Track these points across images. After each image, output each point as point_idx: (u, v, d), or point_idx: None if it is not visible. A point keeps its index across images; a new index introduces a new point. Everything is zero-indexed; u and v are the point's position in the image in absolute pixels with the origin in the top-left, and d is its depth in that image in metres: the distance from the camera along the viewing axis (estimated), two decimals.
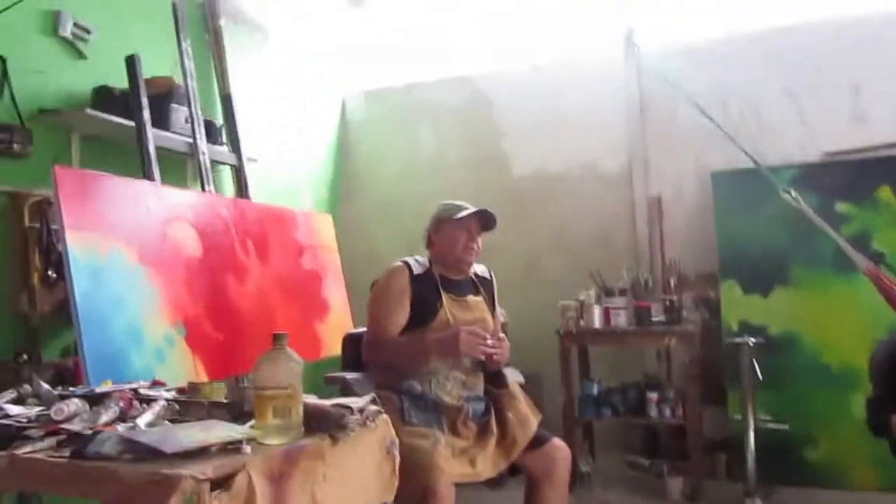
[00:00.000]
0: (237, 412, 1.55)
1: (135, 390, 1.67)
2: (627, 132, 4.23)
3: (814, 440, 3.44)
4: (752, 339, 3.21)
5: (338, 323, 3.45)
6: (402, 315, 2.14)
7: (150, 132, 2.84)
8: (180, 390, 1.71)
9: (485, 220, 2.28)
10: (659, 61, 4.00)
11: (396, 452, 1.70)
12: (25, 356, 2.44)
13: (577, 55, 4.36)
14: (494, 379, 2.26)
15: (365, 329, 2.28)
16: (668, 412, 3.45)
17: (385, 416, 1.70)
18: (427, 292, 2.15)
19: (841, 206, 3.60)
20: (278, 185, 3.99)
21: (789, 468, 3.41)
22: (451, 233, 2.25)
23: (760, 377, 3.14)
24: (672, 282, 3.69)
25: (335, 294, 3.59)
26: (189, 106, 3.13)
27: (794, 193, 3.43)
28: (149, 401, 1.58)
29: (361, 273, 3.70)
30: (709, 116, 3.70)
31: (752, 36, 4.01)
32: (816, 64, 3.88)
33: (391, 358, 2.14)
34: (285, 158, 4.12)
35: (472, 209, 2.26)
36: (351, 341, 2.41)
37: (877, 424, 2.25)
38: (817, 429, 3.43)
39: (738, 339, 3.26)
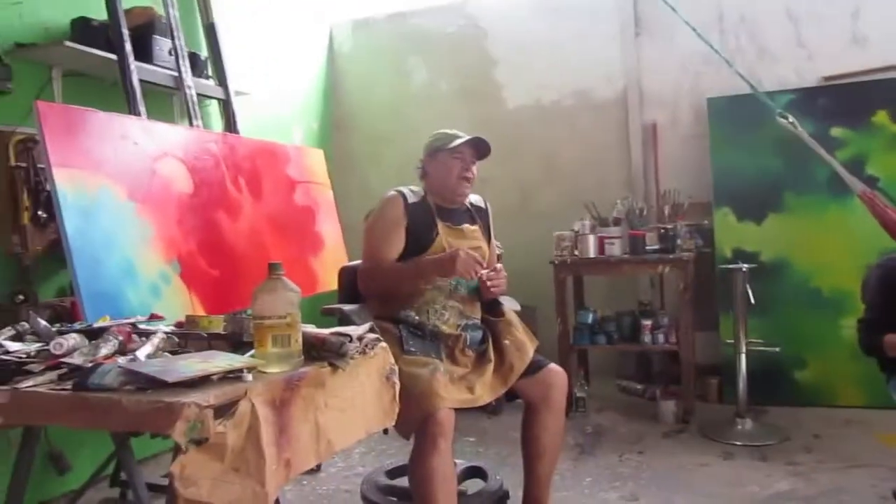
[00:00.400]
0: (237, 343, 1.56)
1: (133, 324, 1.67)
2: (622, 58, 4.14)
3: (803, 362, 3.51)
4: (746, 266, 3.23)
5: (332, 257, 3.45)
6: (397, 243, 2.13)
7: (133, 65, 2.75)
8: (178, 324, 1.71)
9: (479, 148, 2.24)
10: None
11: (396, 380, 1.72)
12: (21, 297, 2.43)
13: None
14: (491, 307, 2.27)
15: (360, 260, 2.27)
16: (661, 338, 3.50)
17: (384, 344, 1.71)
18: (422, 221, 2.13)
19: (836, 131, 3.57)
20: (267, 120, 3.91)
21: (779, 389, 3.49)
22: (445, 162, 2.21)
23: (753, 302, 3.18)
24: (666, 210, 3.70)
25: (329, 229, 3.57)
26: (172, 37, 3.03)
27: (790, 118, 3.39)
28: (147, 334, 1.58)
29: (354, 207, 3.68)
30: (706, 41, 3.61)
31: None
32: None
33: (388, 283, 2.12)
34: (273, 92, 4.03)
35: (465, 137, 2.22)
36: (347, 274, 2.40)
37: (868, 344, 2.29)
38: (807, 351, 3.50)
39: (731, 266, 3.28)
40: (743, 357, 3.21)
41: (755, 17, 3.90)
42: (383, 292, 2.15)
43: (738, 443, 3.02)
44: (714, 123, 3.81)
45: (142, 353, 1.43)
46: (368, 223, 2.22)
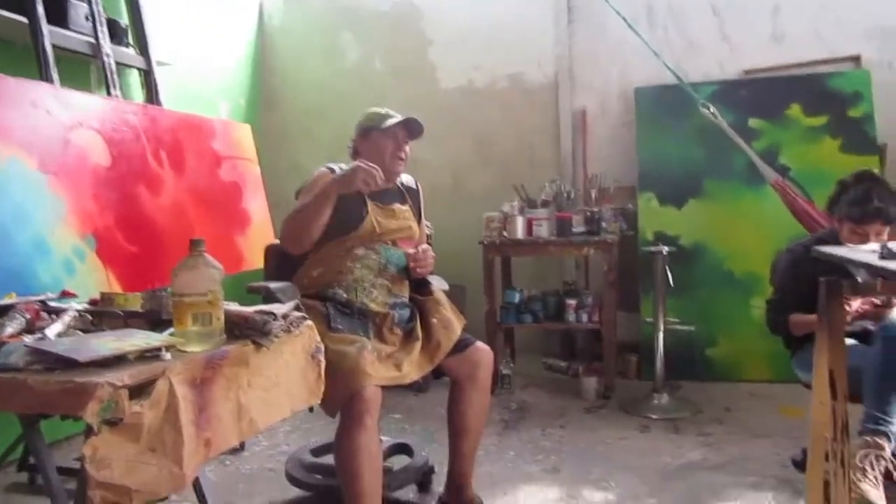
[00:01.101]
0: (155, 321, 1.51)
1: (42, 302, 1.59)
2: (555, 45, 4.19)
3: (715, 340, 3.68)
4: (666, 249, 3.34)
5: (259, 235, 3.36)
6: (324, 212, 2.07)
7: (46, 29, 2.60)
8: (93, 301, 1.64)
9: (412, 129, 2.22)
10: None
11: (322, 358, 1.70)
12: None
13: None
14: (420, 286, 2.27)
15: None
16: (585, 317, 3.59)
17: (309, 322, 1.69)
18: (352, 199, 2.09)
19: (754, 122, 3.73)
20: (192, 93, 3.76)
21: (693, 365, 3.66)
22: (378, 141, 2.18)
23: (672, 283, 3.30)
24: (593, 194, 3.78)
25: (256, 206, 3.48)
26: (89, 2, 2.86)
27: (711, 109, 3.52)
28: (58, 312, 1.50)
29: (283, 185, 3.61)
30: (635, 31, 3.70)
31: None
32: None
33: (301, 218, 2.01)
34: (199, 64, 3.88)
35: (399, 117, 2.20)
36: (273, 252, 2.35)
37: (775, 323, 2.42)
38: (719, 329, 3.67)
39: (652, 249, 3.39)
40: (661, 335, 3.33)
41: (682, 10, 4.02)
42: (295, 231, 2.03)
43: (655, 416, 3.15)
44: (641, 112, 3.91)
45: (51, 332, 1.36)
46: (300, 194, 2.17)
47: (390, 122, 2.18)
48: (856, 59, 3.81)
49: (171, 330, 1.40)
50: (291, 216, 2.05)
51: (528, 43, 4.23)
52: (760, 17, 3.92)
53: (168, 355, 1.30)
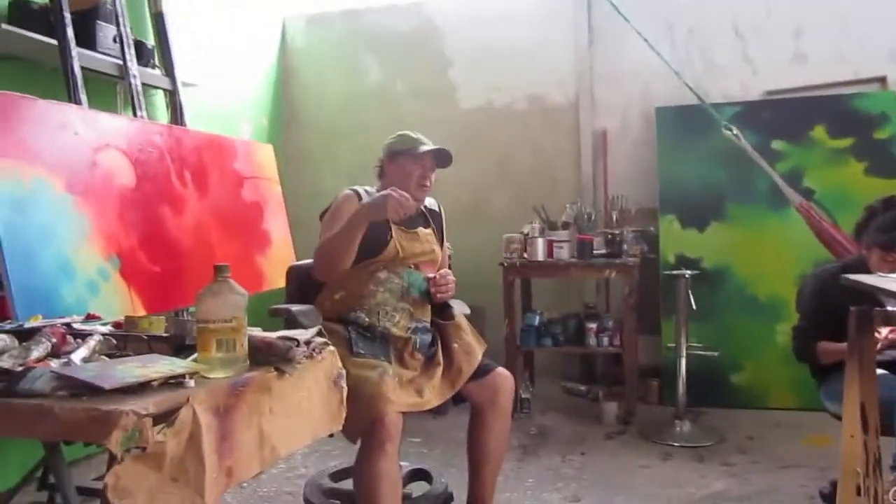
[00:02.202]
0: (179, 346, 1.51)
1: (68, 325, 1.60)
2: (575, 65, 4.19)
3: (740, 365, 3.62)
4: (688, 272, 3.31)
5: (280, 256, 3.38)
6: None
7: (75, 51, 2.64)
8: (117, 324, 1.64)
9: (441, 158, 2.22)
10: None
11: (344, 384, 1.69)
12: None
13: None
14: (441, 311, 2.26)
15: (311, 259, 2.23)
16: (605, 341, 3.55)
17: (332, 347, 1.68)
18: (377, 224, 2.09)
19: (777, 144, 3.69)
20: (216, 113, 3.81)
21: (716, 392, 3.60)
22: (405, 166, 2.19)
23: (694, 307, 3.26)
24: (614, 216, 3.75)
25: (277, 226, 3.50)
26: (117, 24, 2.92)
27: (734, 130, 3.49)
28: (83, 335, 1.51)
29: (304, 205, 3.63)
30: (656, 51, 3.69)
31: None
32: (764, 4, 3.90)
33: (333, 247, 2.03)
34: (223, 84, 3.93)
35: (430, 146, 2.20)
36: (295, 274, 2.35)
37: (802, 350, 2.37)
38: (743, 355, 3.62)
39: (674, 272, 3.35)
40: (683, 360, 3.29)
41: (704, 31, 4.00)
42: (328, 259, 2.05)
43: (677, 444, 3.10)
44: (662, 132, 3.89)
45: (77, 357, 1.37)
46: (325, 218, 2.18)
47: (421, 149, 2.19)
48: (881, 80, 3.76)
49: (195, 356, 1.40)
50: (323, 246, 2.06)
51: (549, 63, 4.23)
52: (783, 39, 3.90)
53: (192, 382, 1.30)
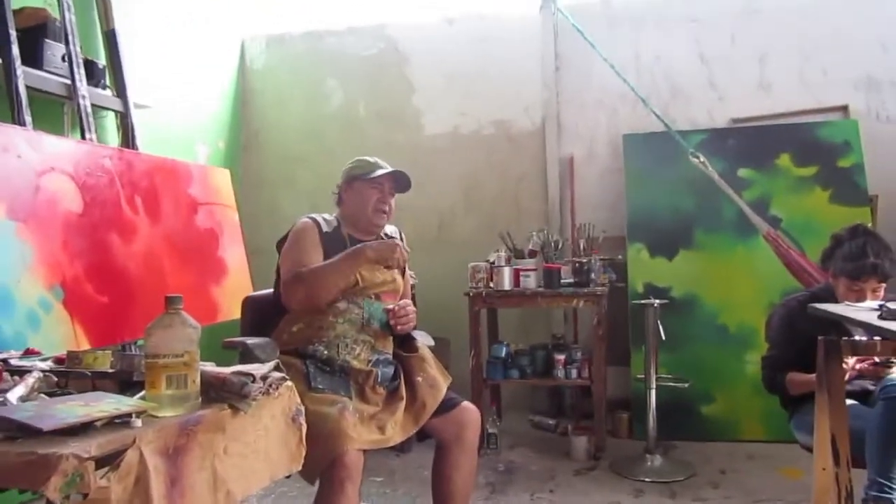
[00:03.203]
0: (126, 383, 1.46)
1: (4, 360, 1.54)
2: (542, 91, 4.26)
3: (710, 396, 3.66)
4: (657, 301, 3.35)
5: (236, 286, 3.33)
6: (317, 258, 2.09)
7: (20, 70, 2.59)
8: (58, 360, 1.59)
9: (399, 182, 2.23)
10: (576, 20, 4.03)
11: (303, 421, 1.65)
12: None
13: (494, 10, 4.34)
14: (404, 342, 2.24)
15: (271, 289, 2.21)
16: (574, 373, 3.56)
17: (289, 383, 1.65)
18: (336, 252, 2.09)
19: (743, 172, 3.79)
20: (170, 136, 3.76)
21: (687, 424, 3.63)
22: (363, 191, 2.20)
23: (664, 337, 3.30)
24: (581, 244, 3.79)
25: (233, 255, 3.45)
26: (66, 42, 2.87)
27: (701, 157, 3.58)
28: (21, 372, 1.46)
29: (262, 233, 3.60)
30: (623, 78, 3.78)
31: None
32: (729, 31, 4.04)
33: (318, 279, 2.04)
34: (178, 106, 3.89)
35: (387, 168, 2.21)
36: (251, 304, 2.32)
37: (771, 381, 2.41)
38: (714, 386, 3.66)
39: (643, 301, 3.40)
40: (653, 392, 3.31)
41: (670, 58, 4.12)
42: (308, 294, 2.06)
43: (648, 479, 3.10)
44: (629, 159, 3.97)
45: (13, 396, 1.31)
46: (284, 248, 2.16)
47: (377, 172, 2.19)
48: (844, 109, 3.92)
49: (143, 393, 1.36)
50: (305, 277, 2.06)
51: (515, 89, 4.30)
52: (747, 66, 4.04)
53: (139, 422, 1.26)
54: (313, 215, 2.20)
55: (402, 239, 2.38)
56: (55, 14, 2.86)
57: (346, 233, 2.19)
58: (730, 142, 3.87)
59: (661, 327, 3.30)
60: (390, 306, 2.14)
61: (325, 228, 2.15)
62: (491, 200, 4.33)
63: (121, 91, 3.23)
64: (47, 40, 2.79)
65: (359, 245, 2.09)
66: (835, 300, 2.32)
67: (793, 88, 3.97)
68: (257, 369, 1.55)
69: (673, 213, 3.83)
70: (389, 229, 2.34)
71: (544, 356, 3.68)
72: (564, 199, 4.23)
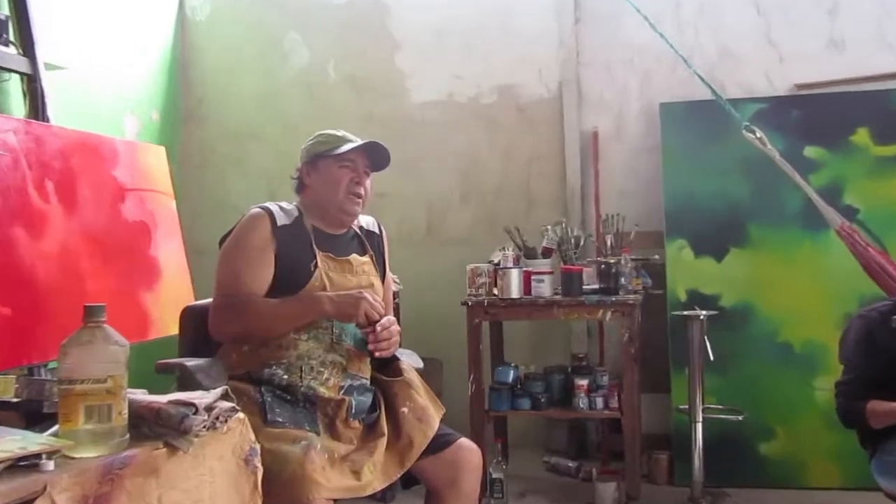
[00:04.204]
0: (34, 415, 1.48)
1: None
2: (558, 50, 4.28)
3: (770, 432, 3.68)
4: (704, 312, 3.36)
5: (173, 292, 3.33)
6: (264, 273, 2.08)
7: None
8: None
9: (374, 156, 2.24)
10: None
11: (258, 463, 1.67)
12: None
13: None
14: (385, 364, 2.25)
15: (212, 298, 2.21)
16: (599, 402, 3.57)
17: (241, 415, 1.66)
18: (297, 250, 2.09)
19: (811, 151, 3.80)
20: (90, 105, 3.78)
21: (741, 467, 3.64)
22: (329, 172, 2.19)
23: (712, 357, 3.31)
24: (608, 241, 3.80)
25: (170, 253, 3.45)
26: None
27: (758, 133, 3.58)
28: None
29: (207, 227, 3.60)
30: (660, 32, 3.78)
31: None
32: None
33: (254, 322, 2.05)
34: (100, 68, 3.90)
35: (357, 141, 2.21)
36: (192, 317, 2.32)
37: (847, 412, 2.42)
38: (775, 419, 3.68)
39: (686, 312, 3.41)
40: (699, 426, 3.33)
41: (717, 8, 4.13)
42: (245, 334, 2.08)
43: None
44: (667, 134, 3.98)
45: None
46: (224, 249, 2.16)
47: (346, 147, 2.19)
48: None
49: (56, 428, 1.37)
50: (241, 307, 2.07)
51: (524, 46, 4.31)
52: (815, 19, 4.04)
53: (51, 464, 1.27)
54: (267, 204, 2.19)
55: (381, 233, 2.38)
56: None
57: (309, 225, 2.19)
58: (793, 113, 3.88)
59: (708, 345, 3.31)
60: (368, 328, 2.12)
61: (280, 221, 2.14)
62: (494, 186, 4.34)
63: (28, 49, 3.23)
64: None
65: (318, 293, 2.09)
66: None
67: (871, 46, 3.98)
68: (200, 398, 1.56)
69: (722, 202, 3.84)
70: (365, 221, 2.34)
71: (562, 381, 3.70)
72: (587, 184, 4.25)
